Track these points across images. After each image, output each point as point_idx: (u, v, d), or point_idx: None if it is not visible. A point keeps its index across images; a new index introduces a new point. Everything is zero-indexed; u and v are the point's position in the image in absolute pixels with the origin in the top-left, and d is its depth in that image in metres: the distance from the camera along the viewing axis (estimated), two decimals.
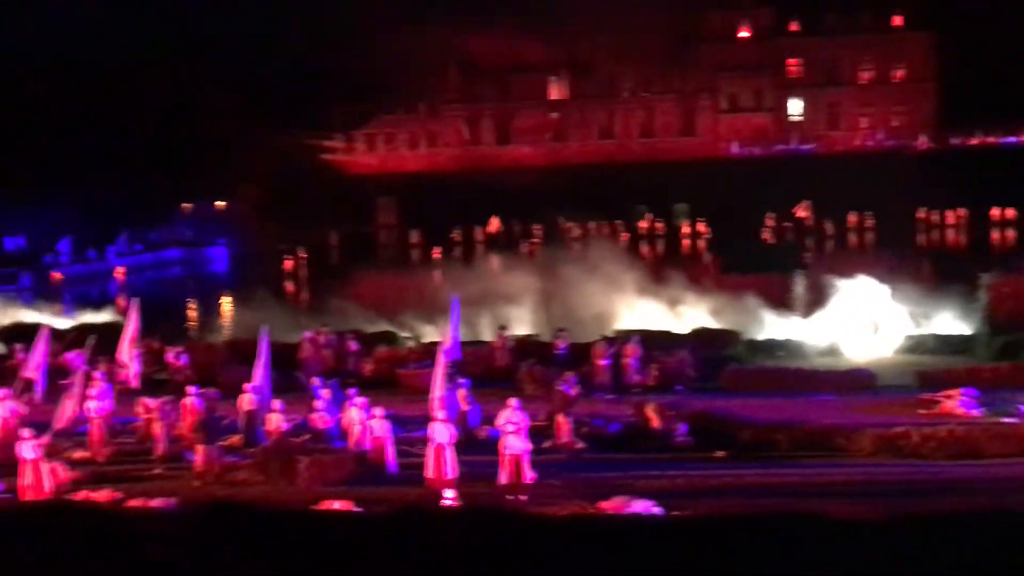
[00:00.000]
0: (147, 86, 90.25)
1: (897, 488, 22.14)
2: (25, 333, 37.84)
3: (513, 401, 23.86)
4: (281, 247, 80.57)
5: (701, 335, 36.96)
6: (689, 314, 40.26)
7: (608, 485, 22.49)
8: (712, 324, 38.98)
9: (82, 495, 22.86)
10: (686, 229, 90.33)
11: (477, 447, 25.71)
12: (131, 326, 30.69)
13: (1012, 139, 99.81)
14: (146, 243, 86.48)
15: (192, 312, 59.27)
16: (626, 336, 34.58)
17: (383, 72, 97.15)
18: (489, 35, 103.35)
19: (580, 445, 26.25)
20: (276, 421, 26.41)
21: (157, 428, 26.32)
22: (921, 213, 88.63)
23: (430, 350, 33.39)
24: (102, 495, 22.89)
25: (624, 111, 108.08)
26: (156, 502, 22.31)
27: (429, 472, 23.22)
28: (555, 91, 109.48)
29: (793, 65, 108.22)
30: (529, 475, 22.95)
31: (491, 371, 34.26)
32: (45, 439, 23.65)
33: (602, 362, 32.29)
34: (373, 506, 21.24)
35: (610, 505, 21.00)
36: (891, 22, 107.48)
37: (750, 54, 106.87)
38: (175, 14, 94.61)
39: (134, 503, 22.32)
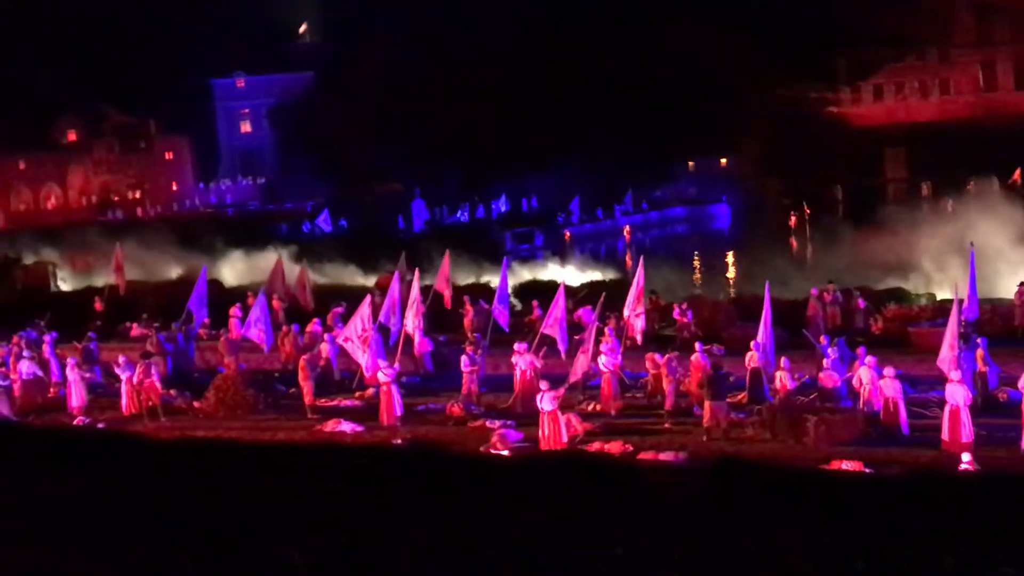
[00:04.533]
0: (655, 46, 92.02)
1: None
2: (540, 290, 39.80)
3: None
4: (785, 202, 79.90)
5: None
6: None
7: None
8: None
9: (596, 446, 23.77)
10: None
11: (997, 410, 24.41)
12: (638, 283, 31.45)
13: None
14: (651, 201, 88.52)
15: (697, 269, 60.07)
16: None
17: (891, 18, 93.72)
18: None
19: None
20: (783, 379, 26.22)
21: (665, 383, 26.88)
22: None
23: (943, 308, 31.94)
24: (614, 447, 23.70)
25: None
26: (665, 455, 22.83)
27: (944, 435, 22.28)
28: None
29: None
30: None
31: (1012, 330, 32.35)
32: (560, 391, 24.75)
33: None
34: (884, 468, 20.66)
35: None
36: None
37: None
38: None
39: (645, 455, 22.95)
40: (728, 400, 25.68)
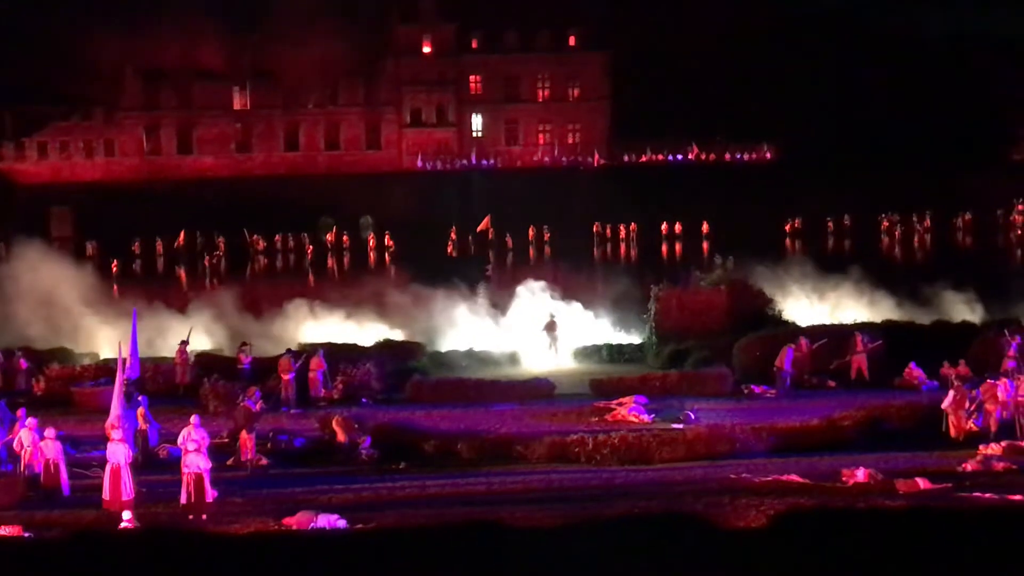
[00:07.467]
0: None
1: (573, 493, 22.96)
2: None
3: (194, 418, 23.47)
4: None
5: (386, 347, 37.17)
6: (374, 326, 40.47)
7: (293, 500, 22.41)
8: (397, 336, 39.32)
9: None
10: (372, 242, 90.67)
11: (157, 467, 25.14)
12: None
13: (679, 157, 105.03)
14: None
15: None
16: (311, 349, 34.42)
17: (57, 76, 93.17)
18: (169, 39, 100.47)
19: (264, 461, 26.02)
20: None
21: None
22: (596, 227, 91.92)
23: (107, 367, 32.34)
24: None
25: (309, 123, 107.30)
26: None
27: (105, 494, 22.51)
28: (238, 100, 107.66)
29: (474, 81, 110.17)
30: (211, 494, 22.58)
31: (173, 388, 33.53)
32: None
33: (287, 376, 32.06)
34: (45, 531, 20.45)
35: (294, 520, 20.93)
36: (568, 42, 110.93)
37: (433, 69, 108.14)
38: None
39: None
40: None
